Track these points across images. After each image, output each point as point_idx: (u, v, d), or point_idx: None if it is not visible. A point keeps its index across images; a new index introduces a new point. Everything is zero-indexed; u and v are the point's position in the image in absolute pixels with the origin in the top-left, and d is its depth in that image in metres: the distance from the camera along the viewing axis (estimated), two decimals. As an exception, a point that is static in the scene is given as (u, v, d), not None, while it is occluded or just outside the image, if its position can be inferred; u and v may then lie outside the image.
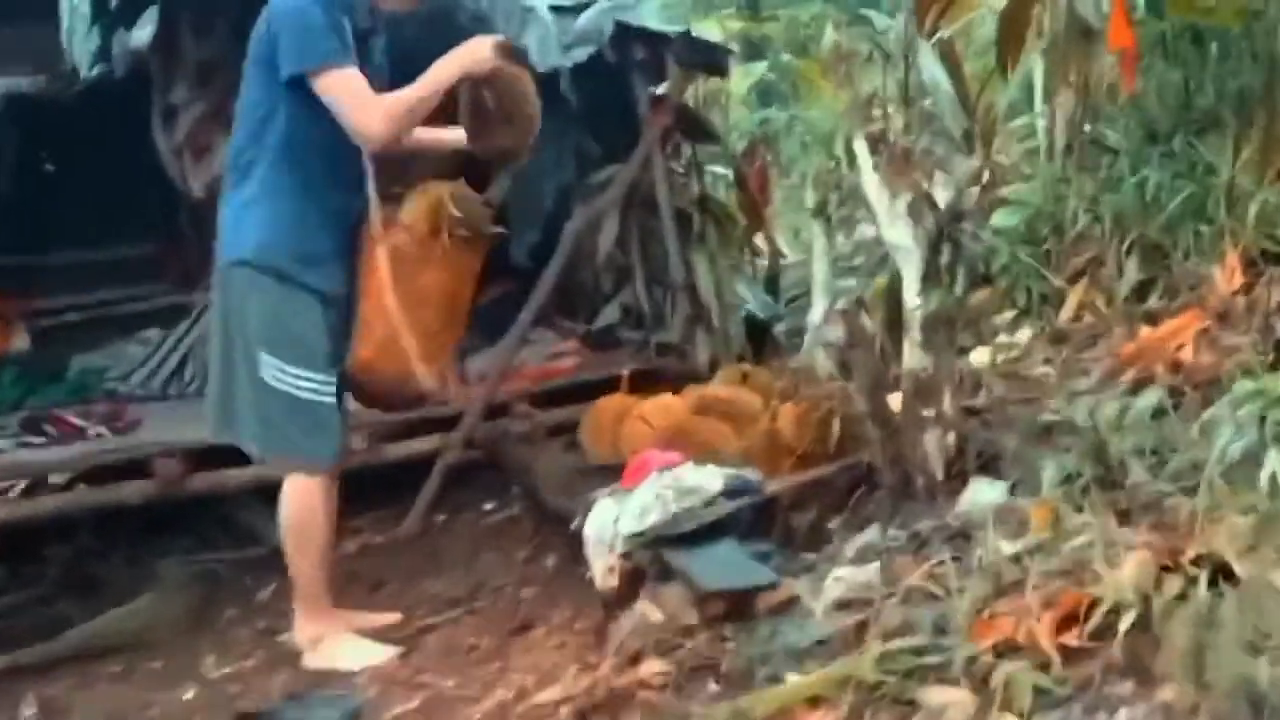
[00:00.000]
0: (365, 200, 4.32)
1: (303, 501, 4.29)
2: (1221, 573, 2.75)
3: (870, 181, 3.56)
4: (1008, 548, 3.14)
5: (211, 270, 4.39)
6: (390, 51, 4.52)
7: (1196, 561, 2.80)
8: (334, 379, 4.30)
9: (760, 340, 6.72)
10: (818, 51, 9.67)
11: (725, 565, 3.44)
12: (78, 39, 7.46)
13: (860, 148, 3.56)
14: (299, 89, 4.13)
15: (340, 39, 4.11)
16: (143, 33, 6.75)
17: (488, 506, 5.72)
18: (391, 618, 4.67)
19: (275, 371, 4.17)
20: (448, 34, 4.82)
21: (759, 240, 8.06)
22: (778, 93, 12.59)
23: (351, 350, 4.32)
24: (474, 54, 4.25)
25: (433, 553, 5.40)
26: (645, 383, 6.00)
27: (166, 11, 6.36)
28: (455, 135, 4.45)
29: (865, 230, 5.63)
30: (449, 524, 5.68)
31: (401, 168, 4.50)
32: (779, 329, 7.10)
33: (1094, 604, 2.81)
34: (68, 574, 5.97)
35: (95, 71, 7.56)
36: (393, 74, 4.39)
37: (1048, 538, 3.16)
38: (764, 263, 8.10)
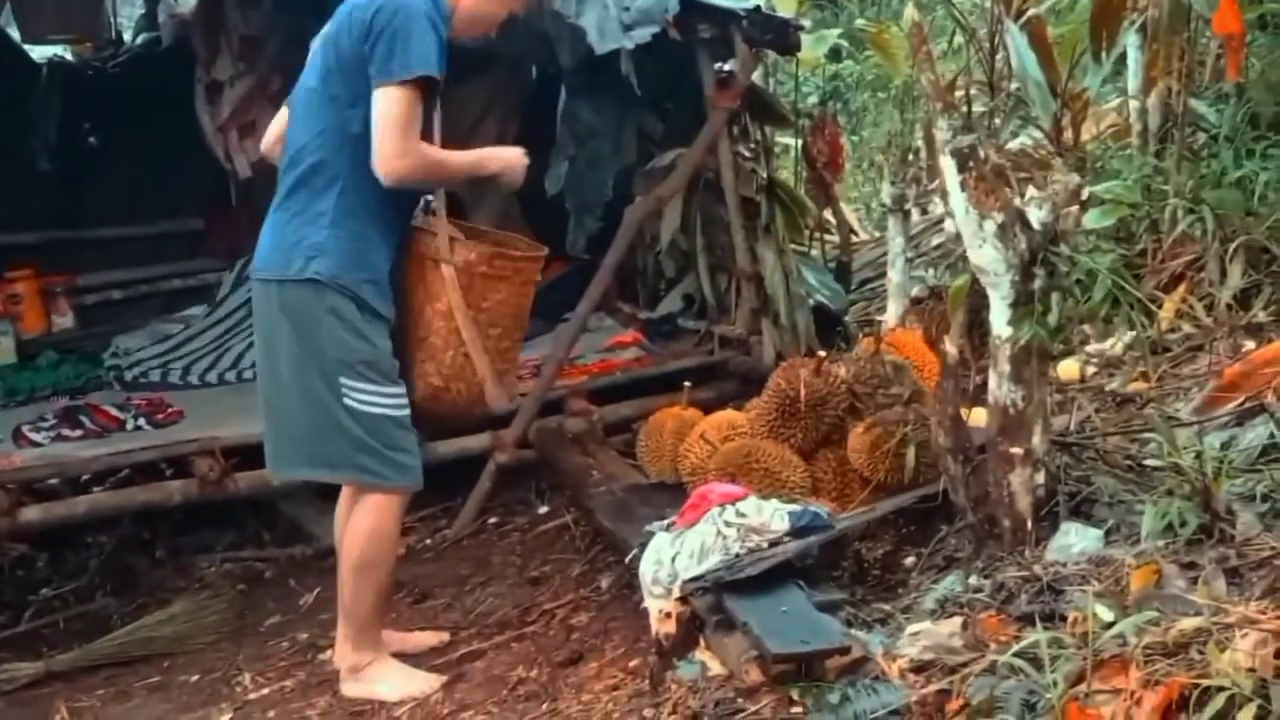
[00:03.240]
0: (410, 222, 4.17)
1: (380, 521, 4.08)
2: (1352, 664, 2.52)
3: (957, 201, 3.29)
4: (1105, 612, 2.89)
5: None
6: None
7: (1324, 647, 2.55)
8: (404, 391, 4.09)
9: (830, 331, 6.46)
10: (891, 17, 9.42)
11: (792, 621, 3.22)
12: (121, 5, 7.34)
13: (948, 165, 3.29)
14: None
15: (438, 61, 3.89)
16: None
17: (541, 510, 5.54)
18: (439, 638, 4.53)
19: (357, 394, 3.96)
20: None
21: (828, 215, 7.78)
22: (851, 54, 12.34)
23: (418, 380, 4.16)
24: (514, 167, 4.22)
25: (483, 560, 5.25)
26: (707, 378, 5.84)
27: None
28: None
29: (949, 226, 5.38)
30: (500, 527, 5.51)
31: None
32: (850, 319, 6.85)
33: (1205, 692, 2.57)
34: (108, 565, 5.90)
35: (140, 40, 7.43)
36: None
37: (1150, 604, 2.92)
38: (833, 239, 7.84)
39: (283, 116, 4.26)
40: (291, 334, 3.98)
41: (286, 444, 4.13)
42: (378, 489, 4.06)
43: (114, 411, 5.89)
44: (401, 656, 4.30)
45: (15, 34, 6.95)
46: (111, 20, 7.30)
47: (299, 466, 4.23)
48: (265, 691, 4.48)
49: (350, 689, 4.19)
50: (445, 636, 4.53)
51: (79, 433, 5.72)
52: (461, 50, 4.27)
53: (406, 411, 4.06)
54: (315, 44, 4.17)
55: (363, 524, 4.08)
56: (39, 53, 7.35)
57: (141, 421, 5.81)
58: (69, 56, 7.54)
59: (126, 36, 7.55)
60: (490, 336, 4.17)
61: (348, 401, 3.94)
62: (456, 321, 4.10)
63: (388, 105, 3.81)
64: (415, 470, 4.10)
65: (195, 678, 4.74)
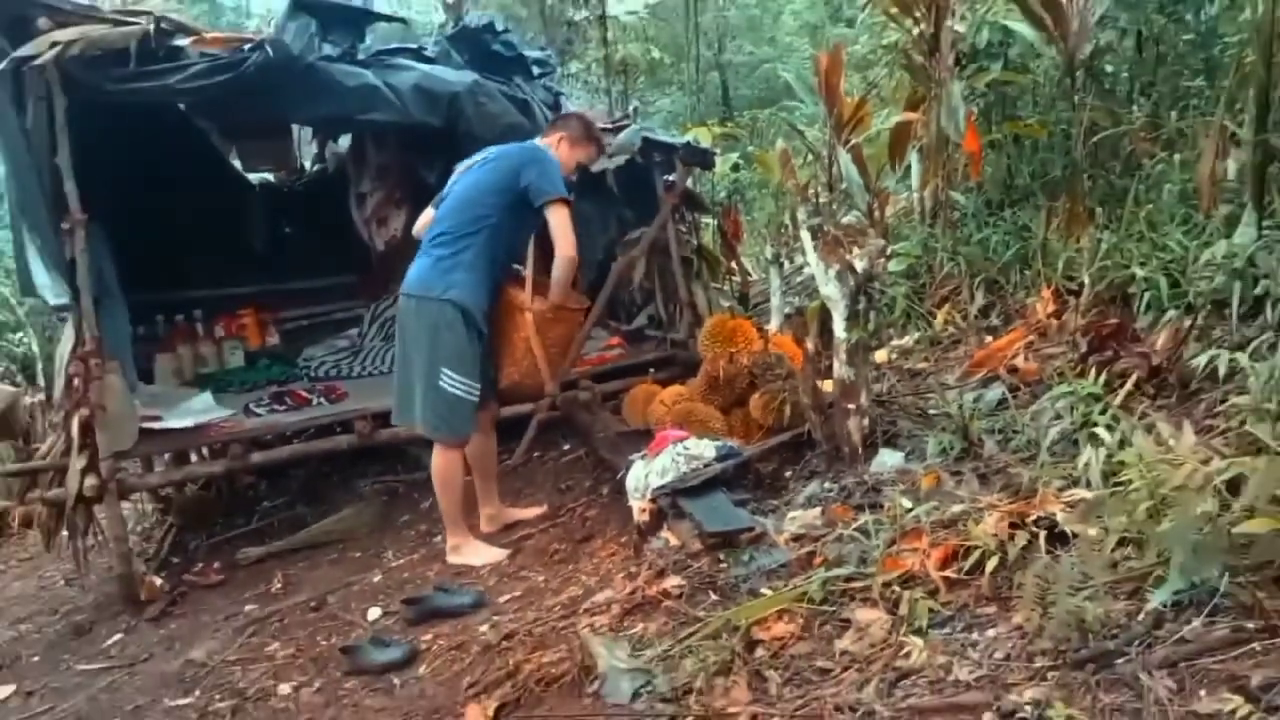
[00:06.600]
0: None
1: (447, 460, 4.04)
2: (1054, 530, 2.53)
3: (812, 258, 3.30)
4: (906, 502, 2.92)
5: (389, 292, 4.10)
6: None
7: (1038, 522, 2.57)
8: (479, 385, 4.01)
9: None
10: (770, 148, 9.37)
11: (719, 512, 3.24)
12: (304, 147, 7.26)
13: (805, 236, 3.30)
14: (519, 207, 3.89)
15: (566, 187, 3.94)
16: (345, 141, 6.50)
17: (565, 447, 5.47)
18: (541, 509, 4.50)
19: (448, 379, 3.91)
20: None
21: (733, 265, 7.73)
22: (746, 164, 12.26)
23: (504, 373, 4.15)
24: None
25: (530, 478, 5.18)
26: (663, 365, 5.81)
27: (356, 130, 6.06)
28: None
29: (806, 271, 5.37)
30: (540, 459, 5.44)
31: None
32: (749, 327, 6.81)
33: (968, 549, 2.59)
34: (304, 488, 5.87)
35: (315, 169, 7.35)
36: None
37: (933, 497, 2.94)
38: (738, 279, 7.80)
39: (429, 214, 4.15)
40: (423, 333, 3.93)
41: (405, 403, 4.09)
42: (440, 441, 4.02)
43: (305, 394, 5.81)
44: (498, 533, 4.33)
45: (238, 164, 6.90)
46: (298, 155, 7.20)
47: (409, 419, 4.15)
48: (400, 561, 4.48)
49: (452, 559, 4.17)
50: (545, 508, 4.51)
51: (283, 407, 5.63)
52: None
53: (475, 398, 3.98)
54: (463, 169, 4.11)
55: (437, 462, 4.05)
56: (253, 177, 7.29)
57: (322, 400, 5.73)
58: (271, 179, 7.46)
59: (307, 165, 7.46)
60: (550, 354, 4.19)
61: (441, 383, 3.90)
62: (531, 345, 4.11)
63: (563, 216, 3.82)
64: (467, 434, 4.05)
65: (358, 554, 4.73)
